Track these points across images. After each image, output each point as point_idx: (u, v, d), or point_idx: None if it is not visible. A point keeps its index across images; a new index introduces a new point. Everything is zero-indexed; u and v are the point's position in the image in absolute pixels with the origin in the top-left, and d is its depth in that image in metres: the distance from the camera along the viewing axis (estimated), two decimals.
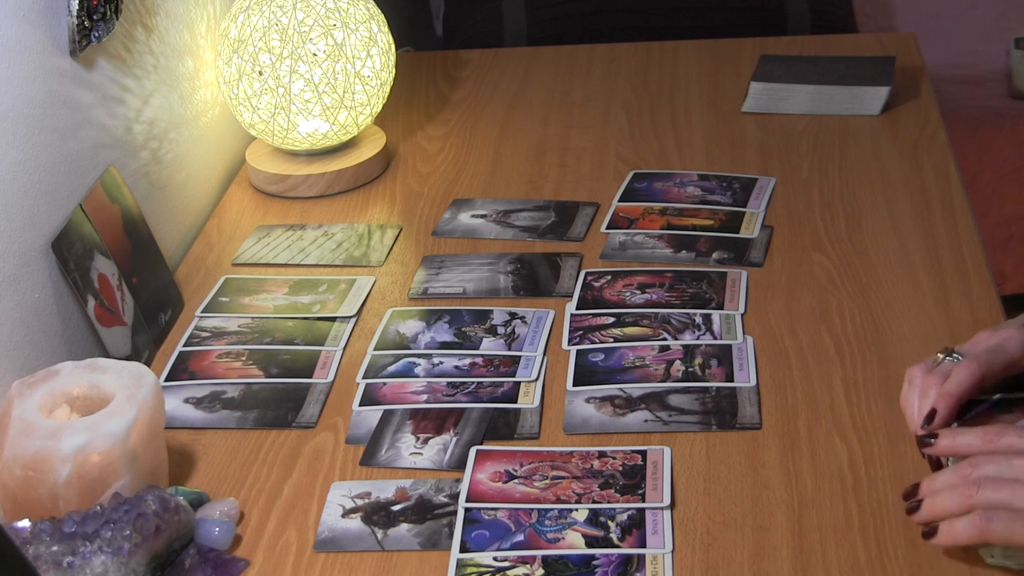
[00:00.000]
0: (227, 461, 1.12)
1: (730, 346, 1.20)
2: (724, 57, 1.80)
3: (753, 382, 1.15)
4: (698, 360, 1.18)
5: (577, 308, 1.28)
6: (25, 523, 0.95)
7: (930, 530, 0.94)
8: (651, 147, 1.59)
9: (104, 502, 0.97)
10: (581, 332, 1.24)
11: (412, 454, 1.10)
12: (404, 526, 1.03)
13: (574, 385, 1.17)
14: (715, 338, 1.21)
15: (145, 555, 0.96)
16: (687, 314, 1.25)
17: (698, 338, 1.21)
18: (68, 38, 1.23)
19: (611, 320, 1.25)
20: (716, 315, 1.24)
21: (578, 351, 1.21)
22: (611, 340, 1.22)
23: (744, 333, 1.22)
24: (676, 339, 1.21)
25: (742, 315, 1.24)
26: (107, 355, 1.22)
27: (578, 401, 1.15)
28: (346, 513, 1.05)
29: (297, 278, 1.37)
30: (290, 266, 1.40)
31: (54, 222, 1.20)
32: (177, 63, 1.47)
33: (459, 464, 1.09)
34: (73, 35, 1.22)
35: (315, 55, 1.46)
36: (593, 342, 1.22)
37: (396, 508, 1.05)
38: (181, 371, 1.23)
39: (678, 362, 1.18)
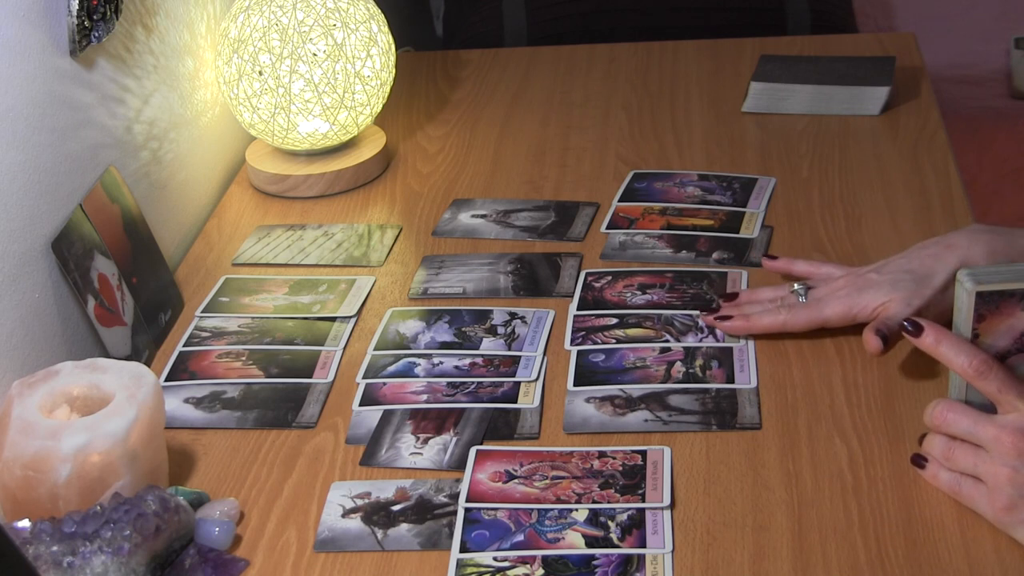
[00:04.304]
0: (227, 461, 1.12)
1: (731, 348, 1.20)
2: (724, 57, 1.80)
3: (754, 384, 1.15)
4: (699, 361, 1.18)
5: (578, 309, 1.28)
6: (25, 523, 0.95)
7: (918, 460, 1.03)
8: (651, 147, 1.59)
9: (104, 502, 0.97)
10: (584, 333, 1.24)
11: (412, 454, 1.10)
12: (404, 526, 1.03)
13: (575, 385, 1.17)
14: (717, 340, 1.21)
15: (145, 555, 0.96)
16: (690, 315, 1.25)
17: (700, 340, 1.21)
18: (68, 38, 1.23)
19: (614, 321, 1.25)
20: None
21: (579, 351, 1.21)
22: (613, 341, 1.22)
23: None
24: (679, 341, 1.21)
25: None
26: (107, 355, 1.22)
27: (578, 401, 1.15)
28: (346, 513, 1.05)
29: (297, 278, 1.37)
30: (290, 266, 1.40)
31: (54, 222, 1.20)
32: (177, 63, 1.47)
33: (459, 464, 1.09)
34: (73, 35, 1.22)
35: (315, 55, 1.46)
36: (595, 343, 1.22)
37: (396, 508, 1.05)
38: (181, 371, 1.23)
39: (679, 363, 1.18)
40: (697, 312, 1.25)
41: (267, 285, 1.36)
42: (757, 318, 1.20)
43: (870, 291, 1.16)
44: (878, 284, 1.16)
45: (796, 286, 1.21)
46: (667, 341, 1.21)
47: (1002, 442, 0.95)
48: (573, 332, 1.24)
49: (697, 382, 1.16)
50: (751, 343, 1.20)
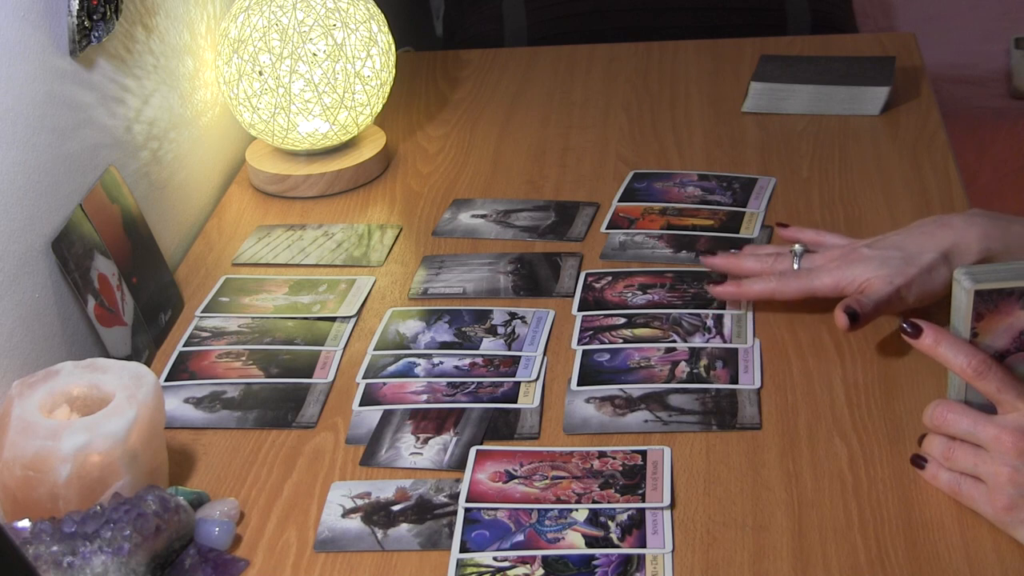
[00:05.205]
0: (227, 461, 1.12)
1: (736, 349, 1.20)
2: (724, 57, 1.80)
3: (758, 385, 1.15)
4: (703, 362, 1.18)
5: (578, 310, 1.28)
6: (25, 523, 0.95)
7: (918, 460, 1.03)
8: (651, 147, 1.59)
9: (104, 502, 0.97)
10: (592, 332, 1.24)
11: (412, 454, 1.10)
12: (404, 526, 1.03)
13: (579, 385, 1.17)
14: (724, 341, 1.21)
15: (145, 555, 0.96)
16: (698, 315, 1.24)
17: (707, 341, 1.21)
18: (68, 38, 1.23)
19: (622, 321, 1.25)
20: (728, 317, 1.24)
21: (584, 351, 1.21)
22: (620, 341, 1.22)
23: (754, 336, 1.21)
24: (686, 341, 1.21)
25: (753, 318, 1.24)
26: (107, 355, 1.22)
27: (578, 401, 1.15)
28: (346, 513, 1.05)
29: (297, 278, 1.37)
30: (290, 266, 1.40)
31: (54, 222, 1.20)
32: (177, 63, 1.47)
33: (459, 464, 1.09)
34: (73, 35, 1.22)
35: (315, 55, 1.46)
36: (603, 342, 1.22)
37: (396, 508, 1.05)
38: (181, 371, 1.23)
39: (683, 363, 1.18)
40: (704, 311, 1.25)
41: (267, 285, 1.36)
42: (748, 285, 1.22)
43: (859, 266, 1.18)
44: (868, 260, 1.18)
45: (796, 247, 1.23)
46: (674, 341, 1.21)
47: (1002, 442, 0.95)
48: (581, 331, 1.24)
49: (701, 382, 1.16)
50: (757, 344, 1.20)
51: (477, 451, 1.09)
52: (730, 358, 1.19)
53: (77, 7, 1.21)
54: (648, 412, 1.13)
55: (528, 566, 0.98)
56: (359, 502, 1.06)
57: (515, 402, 1.16)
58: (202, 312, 1.32)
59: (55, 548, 0.93)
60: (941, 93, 1.87)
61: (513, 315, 1.27)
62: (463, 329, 1.26)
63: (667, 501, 1.02)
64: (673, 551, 0.98)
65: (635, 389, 1.16)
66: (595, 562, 0.97)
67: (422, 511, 1.04)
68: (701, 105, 1.68)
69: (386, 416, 1.15)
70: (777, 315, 1.25)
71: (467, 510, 1.03)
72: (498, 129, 1.66)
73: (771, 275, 1.22)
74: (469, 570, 0.98)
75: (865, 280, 1.17)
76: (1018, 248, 1.14)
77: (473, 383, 1.18)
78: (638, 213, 1.44)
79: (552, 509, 1.02)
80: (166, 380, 1.22)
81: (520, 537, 1.00)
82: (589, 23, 2.19)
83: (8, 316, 1.13)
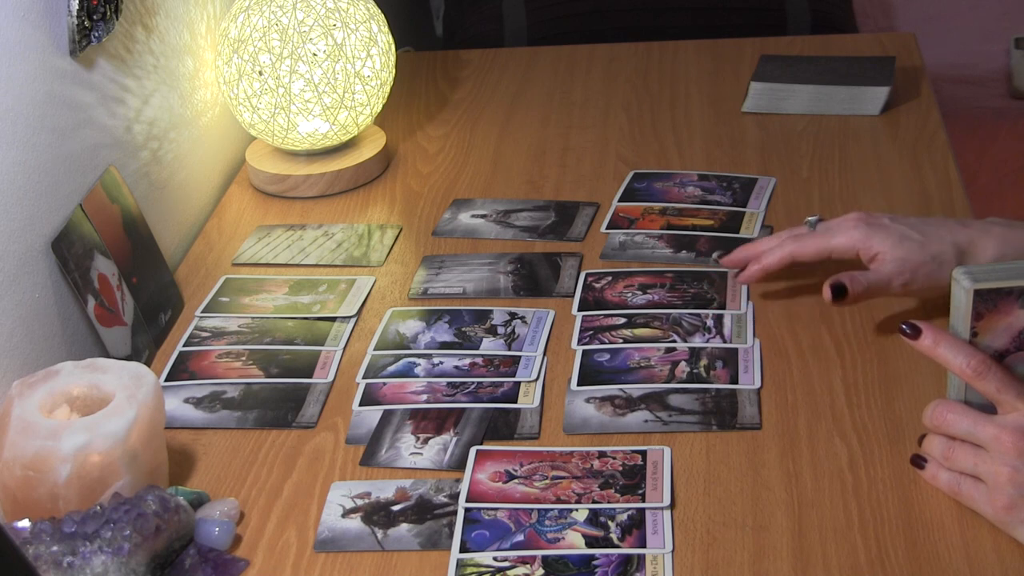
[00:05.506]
0: (227, 461, 1.12)
1: (736, 349, 1.20)
2: (724, 57, 1.80)
3: (758, 385, 1.15)
4: (703, 362, 1.18)
5: (578, 310, 1.28)
6: (25, 523, 0.95)
7: (918, 460, 1.03)
8: (651, 147, 1.59)
9: (104, 502, 0.97)
10: (592, 332, 1.24)
11: (412, 454, 1.10)
12: (404, 526, 1.03)
13: (578, 385, 1.17)
14: (724, 341, 1.21)
15: (145, 555, 0.96)
16: (698, 315, 1.24)
17: (707, 341, 1.21)
18: (68, 38, 1.23)
19: (622, 321, 1.25)
20: (728, 317, 1.24)
21: (584, 351, 1.21)
22: (620, 341, 1.22)
23: (754, 336, 1.21)
24: (686, 341, 1.21)
25: (753, 318, 1.24)
26: (107, 355, 1.22)
27: (578, 401, 1.15)
28: (346, 513, 1.05)
29: (297, 278, 1.37)
30: (290, 266, 1.40)
31: (54, 222, 1.20)
32: (177, 63, 1.47)
33: (459, 464, 1.09)
34: (73, 35, 1.22)
35: (315, 55, 1.46)
36: (603, 342, 1.22)
37: (396, 508, 1.05)
38: (181, 371, 1.23)
39: (683, 363, 1.18)
40: (704, 311, 1.25)
41: (267, 285, 1.36)
42: (768, 256, 1.23)
43: (880, 234, 1.18)
44: (887, 231, 1.18)
45: (810, 219, 1.23)
46: (674, 341, 1.21)
47: (1002, 442, 0.95)
48: (581, 331, 1.24)
49: (701, 382, 1.16)
50: (757, 344, 1.20)
51: (477, 451, 1.09)
52: (730, 358, 1.19)
53: (77, 7, 1.21)
54: (648, 412, 1.13)
55: (528, 566, 0.98)
56: (359, 502, 1.06)
57: (515, 402, 1.16)
58: (202, 312, 1.32)
59: (55, 548, 0.93)
60: (941, 93, 1.87)
61: (513, 315, 1.27)
62: (463, 329, 1.26)
63: (667, 501, 1.02)
64: (673, 551, 0.98)
65: (635, 389, 1.16)
66: (595, 562, 0.97)
67: (422, 511, 1.04)
68: (701, 105, 1.68)
69: (386, 416, 1.15)
70: (777, 315, 1.25)
71: (467, 510, 1.03)
72: (498, 129, 1.66)
73: (788, 240, 1.22)
74: (469, 570, 0.98)
75: (882, 252, 1.17)
76: None
77: (473, 383, 1.18)
78: (638, 213, 1.44)
79: (552, 509, 1.02)
80: (166, 380, 1.22)
81: (520, 537, 1.00)
82: (589, 23, 2.19)
83: (8, 316, 1.13)
